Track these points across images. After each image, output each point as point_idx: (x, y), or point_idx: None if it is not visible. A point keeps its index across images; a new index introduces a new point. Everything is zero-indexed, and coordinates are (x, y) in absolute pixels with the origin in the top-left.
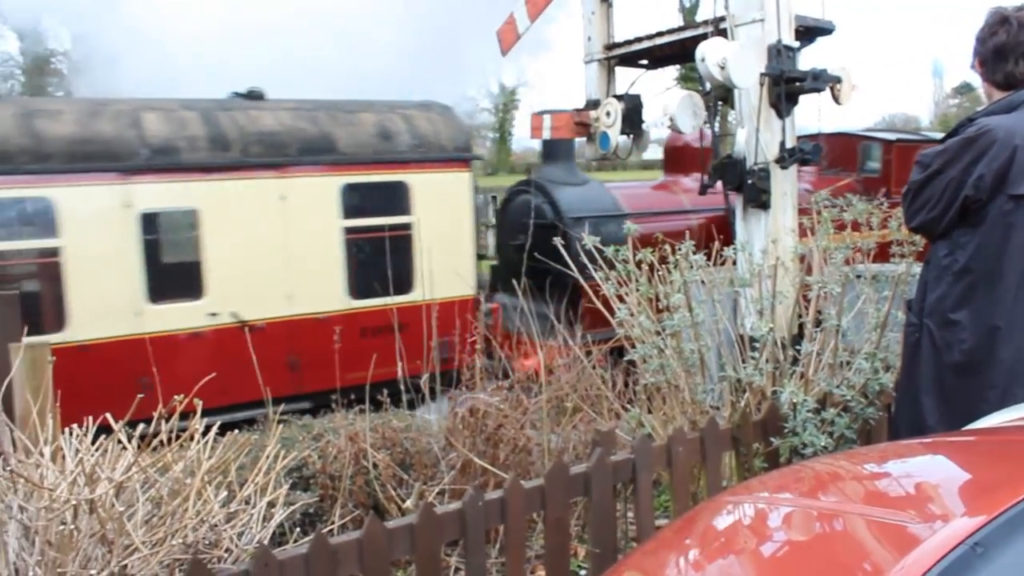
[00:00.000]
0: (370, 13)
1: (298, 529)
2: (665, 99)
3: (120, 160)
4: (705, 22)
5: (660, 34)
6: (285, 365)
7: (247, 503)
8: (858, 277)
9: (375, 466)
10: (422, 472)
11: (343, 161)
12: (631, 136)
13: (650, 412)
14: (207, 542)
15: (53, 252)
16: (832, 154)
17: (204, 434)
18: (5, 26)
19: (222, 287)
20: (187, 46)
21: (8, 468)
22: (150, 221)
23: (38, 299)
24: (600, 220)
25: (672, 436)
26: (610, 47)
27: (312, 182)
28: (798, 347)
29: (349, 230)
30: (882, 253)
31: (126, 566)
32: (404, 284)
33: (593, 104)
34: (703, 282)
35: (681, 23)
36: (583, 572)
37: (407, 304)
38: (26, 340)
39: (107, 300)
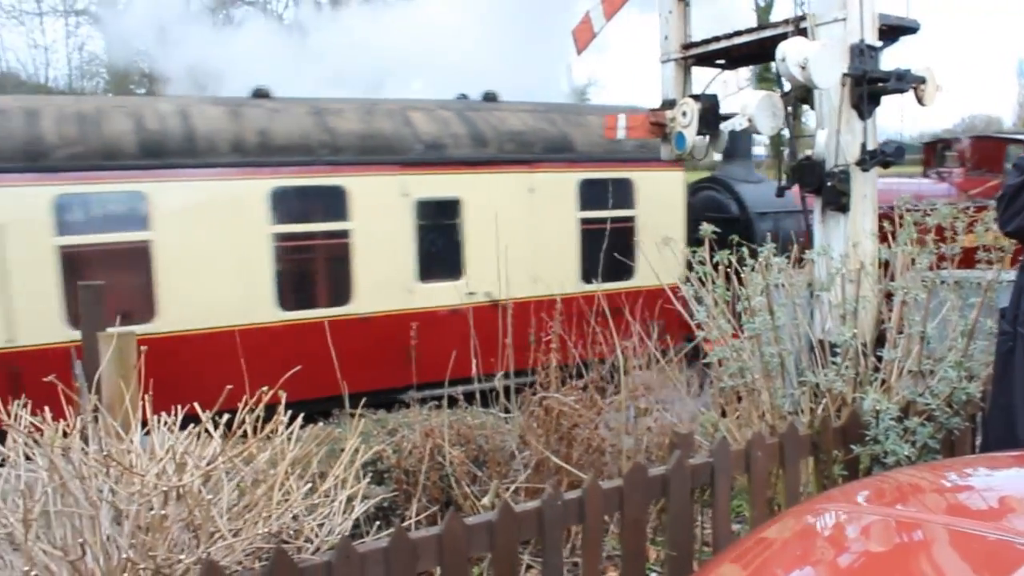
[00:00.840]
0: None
1: (378, 523)
2: (743, 99)
3: (399, 153)
4: (785, 21)
5: (738, 33)
6: (527, 342)
7: (326, 495)
8: (942, 283)
9: (450, 462)
10: (495, 469)
11: (579, 159)
12: (707, 136)
13: (723, 415)
14: (290, 532)
15: (344, 234)
16: (978, 156)
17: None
18: (94, 27)
19: (478, 269)
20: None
21: (104, 452)
22: (423, 208)
23: (331, 275)
24: (780, 215)
25: (751, 440)
26: (687, 46)
27: (555, 177)
28: (879, 353)
29: (584, 221)
30: (966, 259)
31: (208, 553)
32: (626, 271)
33: (669, 104)
34: (781, 285)
35: (756, 23)
36: (654, 574)
37: (631, 289)
38: (116, 329)
39: (386, 278)
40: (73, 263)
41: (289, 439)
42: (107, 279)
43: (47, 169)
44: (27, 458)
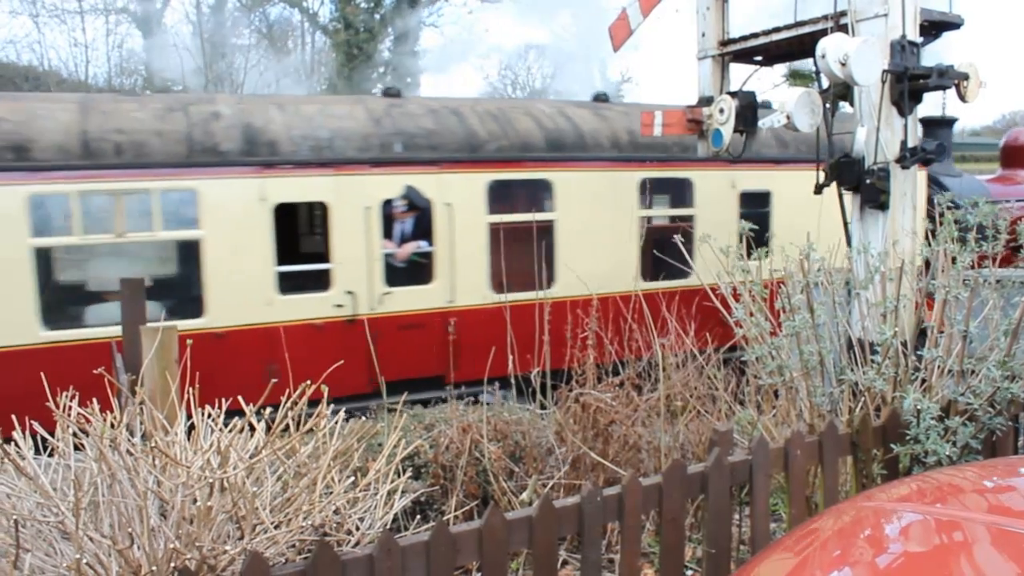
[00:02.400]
0: None
1: (418, 517)
2: (782, 96)
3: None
4: (825, 17)
5: (777, 30)
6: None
7: (366, 489)
8: (984, 282)
9: (488, 458)
10: (532, 465)
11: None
12: (743, 133)
13: (759, 412)
14: (333, 525)
15: (688, 219)
16: None
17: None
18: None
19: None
20: None
21: (152, 444)
22: (747, 198)
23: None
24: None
25: (790, 439)
26: (725, 43)
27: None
28: (919, 352)
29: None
30: (1008, 258)
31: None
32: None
33: (706, 101)
34: (818, 284)
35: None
36: (689, 572)
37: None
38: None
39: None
40: (496, 237)
41: (330, 433)
42: (525, 253)
43: (481, 160)
44: (76, 448)
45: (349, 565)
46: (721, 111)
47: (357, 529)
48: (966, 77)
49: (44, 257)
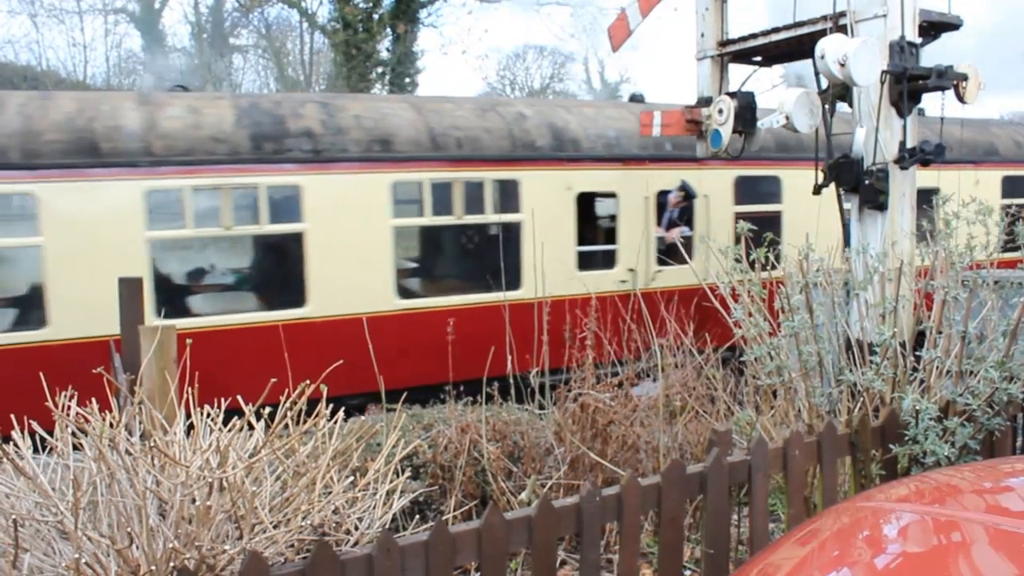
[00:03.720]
0: None
1: (417, 516)
2: (780, 96)
3: None
4: (824, 17)
5: (776, 30)
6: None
7: (365, 489)
8: (982, 283)
9: (486, 458)
10: (530, 465)
11: (1003, 160)
12: (742, 134)
13: (757, 412)
14: (332, 524)
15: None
16: None
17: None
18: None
19: None
20: None
21: (151, 444)
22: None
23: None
24: None
25: (789, 439)
26: (724, 43)
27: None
28: (917, 353)
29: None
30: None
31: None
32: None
33: (705, 101)
34: (819, 284)
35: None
36: (687, 572)
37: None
38: (159, 322)
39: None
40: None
41: (329, 433)
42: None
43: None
44: (74, 448)
45: (348, 565)
46: (720, 111)
47: (356, 529)
48: (965, 78)
49: (400, 235)
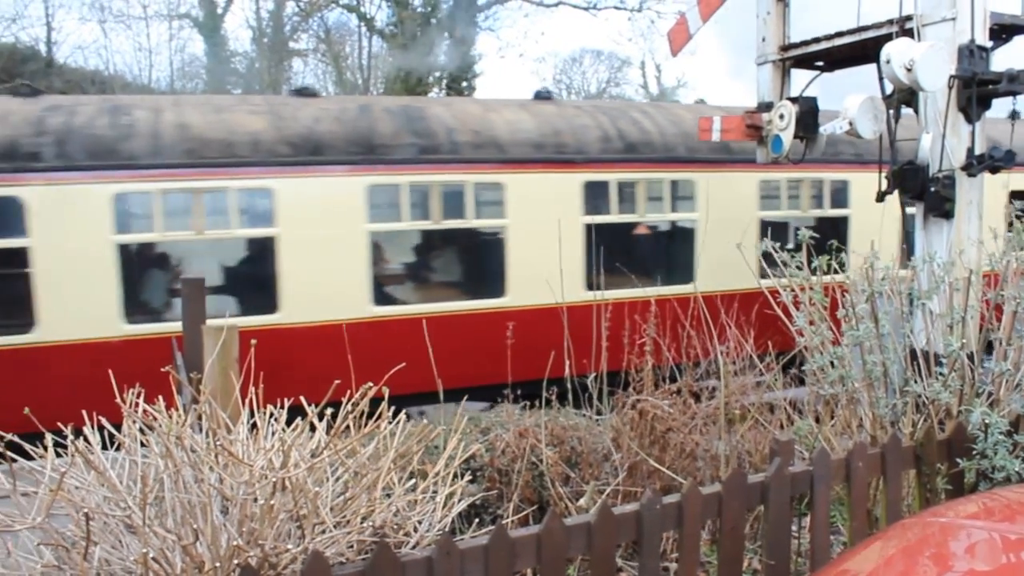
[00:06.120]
0: None
1: (477, 520)
2: (844, 101)
3: None
4: (890, 21)
5: (840, 34)
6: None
7: (425, 492)
8: None
9: (544, 463)
10: (588, 471)
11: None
12: (803, 139)
13: (818, 422)
14: (393, 526)
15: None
16: None
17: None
18: (194, 30)
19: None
20: None
21: (217, 442)
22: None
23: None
24: None
25: (852, 450)
26: (785, 48)
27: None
28: (986, 365)
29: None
30: None
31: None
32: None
33: (766, 106)
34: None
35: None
36: None
37: None
38: (222, 321)
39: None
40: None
41: (391, 435)
42: None
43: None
44: (141, 444)
45: (409, 567)
46: (781, 117)
47: (415, 531)
48: None
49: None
